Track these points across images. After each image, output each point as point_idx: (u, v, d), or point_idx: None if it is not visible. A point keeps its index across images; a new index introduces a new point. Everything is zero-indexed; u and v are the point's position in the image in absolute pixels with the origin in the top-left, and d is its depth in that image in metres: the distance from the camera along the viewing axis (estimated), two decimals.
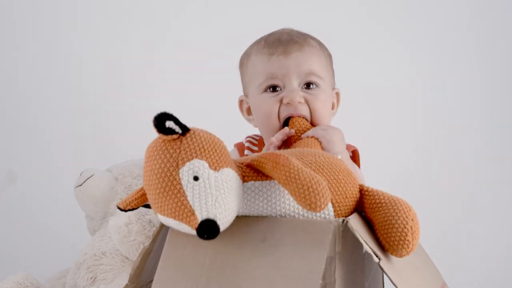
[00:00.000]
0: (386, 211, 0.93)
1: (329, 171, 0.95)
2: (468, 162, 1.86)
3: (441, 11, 1.89)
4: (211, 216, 0.85)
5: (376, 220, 0.94)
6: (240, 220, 0.91)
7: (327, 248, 0.86)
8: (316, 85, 1.18)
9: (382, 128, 1.86)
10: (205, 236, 0.85)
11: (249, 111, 1.24)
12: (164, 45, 1.90)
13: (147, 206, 0.95)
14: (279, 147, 1.13)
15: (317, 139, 1.12)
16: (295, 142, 1.14)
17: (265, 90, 1.18)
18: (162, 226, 0.97)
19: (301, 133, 1.15)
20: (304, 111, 1.17)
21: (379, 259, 0.89)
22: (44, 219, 1.84)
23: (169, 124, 0.87)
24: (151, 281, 0.96)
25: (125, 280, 1.33)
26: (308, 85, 1.17)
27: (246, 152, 1.24)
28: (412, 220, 0.92)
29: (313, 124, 1.17)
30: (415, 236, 0.92)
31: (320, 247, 0.86)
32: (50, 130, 1.88)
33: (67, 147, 1.87)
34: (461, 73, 1.88)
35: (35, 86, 1.89)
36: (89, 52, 1.90)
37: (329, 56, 1.23)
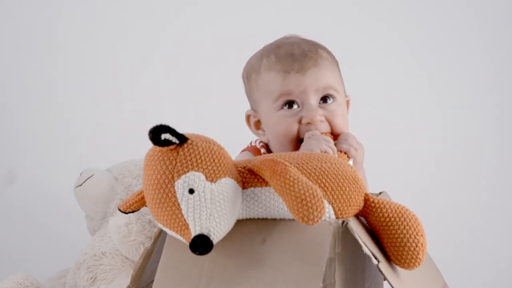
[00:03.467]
0: (397, 227, 0.92)
1: (333, 178, 0.94)
2: (472, 163, 1.86)
3: (445, 10, 1.89)
4: (205, 231, 0.85)
5: (385, 235, 0.93)
6: (240, 222, 0.91)
7: (327, 250, 0.86)
8: (333, 99, 1.15)
9: (386, 130, 1.86)
10: (197, 252, 0.85)
11: (257, 125, 1.21)
12: (166, 45, 1.90)
13: None
14: None
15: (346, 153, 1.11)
16: None
17: (282, 107, 1.15)
18: None
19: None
20: (325, 128, 1.14)
21: (378, 261, 0.88)
22: (44, 219, 1.84)
23: (165, 136, 0.85)
24: (152, 281, 0.96)
25: (125, 280, 1.34)
26: (325, 99, 1.15)
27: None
28: (422, 236, 0.92)
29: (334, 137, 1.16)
30: (425, 251, 0.93)
31: (320, 249, 0.86)
32: (50, 130, 1.88)
33: (67, 147, 1.87)
34: (470, 73, 1.88)
35: (35, 86, 1.89)
36: (89, 52, 1.89)
37: (337, 63, 1.21)
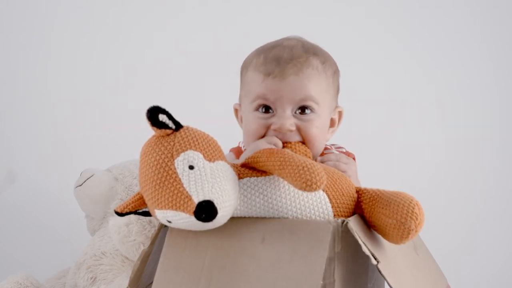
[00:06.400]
0: (388, 195, 0.93)
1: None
2: (474, 165, 1.86)
3: (445, 11, 1.89)
4: (208, 198, 0.86)
5: (379, 206, 0.93)
6: (238, 221, 0.91)
7: (327, 248, 0.86)
8: (312, 110, 1.12)
9: (386, 131, 1.86)
10: (203, 216, 0.85)
11: (242, 120, 1.21)
12: (166, 45, 1.90)
13: (144, 213, 0.95)
14: None
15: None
16: None
17: (257, 109, 1.13)
18: (161, 227, 0.98)
19: None
20: (294, 138, 1.11)
21: (378, 261, 0.88)
22: (44, 219, 1.84)
23: (162, 118, 0.88)
24: (151, 283, 0.96)
25: (125, 280, 1.34)
26: (303, 109, 1.12)
27: None
28: (417, 202, 0.92)
29: None
30: (421, 213, 0.91)
31: (319, 247, 0.86)
32: (50, 130, 1.88)
33: (67, 147, 1.87)
34: (471, 73, 1.88)
35: (34, 86, 1.89)
36: (88, 52, 1.90)
37: (333, 74, 1.17)
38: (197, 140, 0.89)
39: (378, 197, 0.94)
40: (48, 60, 1.89)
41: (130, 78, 1.89)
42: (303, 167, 0.84)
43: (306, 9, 1.88)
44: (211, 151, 0.90)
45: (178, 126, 0.90)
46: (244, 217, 0.92)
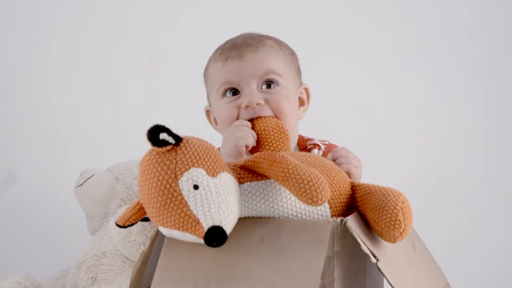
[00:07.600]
0: (376, 197, 0.93)
1: (321, 169, 0.95)
2: (472, 164, 1.86)
3: (445, 11, 1.89)
4: (217, 223, 0.85)
5: (368, 209, 0.94)
6: (239, 221, 0.91)
7: (326, 247, 0.86)
8: (277, 83, 1.15)
9: (385, 130, 1.86)
10: (214, 243, 0.85)
11: (216, 121, 1.22)
12: (166, 45, 1.90)
13: (145, 219, 0.95)
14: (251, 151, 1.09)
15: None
16: (261, 144, 1.11)
17: (224, 95, 1.16)
18: None
19: (267, 133, 1.11)
20: (265, 112, 1.13)
21: (377, 260, 0.88)
22: (44, 219, 1.84)
23: (163, 136, 0.86)
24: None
25: (125, 280, 1.34)
26: (268, 84, 1.15)
27: None
28: (403, 202, 0.91)
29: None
30: (407, 217, 0.91)
31: (319, 247, 0.86)
32: (50, 130, 1.88)
33: (67, 147, 1.87)
34: (463, 73, 1.88)
35: (35, 86, 1.89)
36: (88, 52, 1.90)
37: (290, 54, 1.20)
38: (198, 154, 0.88)
39: (368, 197, 0.94)
40: (48, 60, 1.89)
41: (130, 78, 1.90)
42: (308, 181, 0.85)
43: (306, 9, 1.88)
44: (212, 164, 0.88)
45: (178, 140, 0.88)
46: (244, 218, 0.92)
